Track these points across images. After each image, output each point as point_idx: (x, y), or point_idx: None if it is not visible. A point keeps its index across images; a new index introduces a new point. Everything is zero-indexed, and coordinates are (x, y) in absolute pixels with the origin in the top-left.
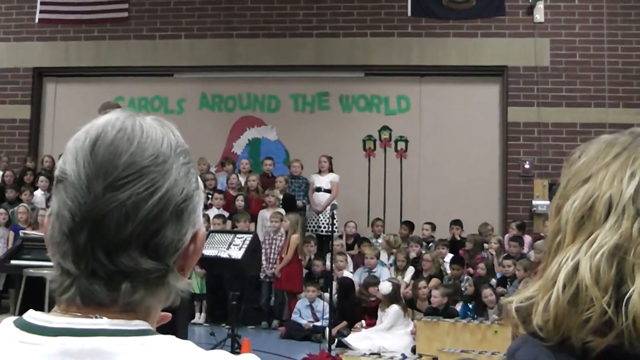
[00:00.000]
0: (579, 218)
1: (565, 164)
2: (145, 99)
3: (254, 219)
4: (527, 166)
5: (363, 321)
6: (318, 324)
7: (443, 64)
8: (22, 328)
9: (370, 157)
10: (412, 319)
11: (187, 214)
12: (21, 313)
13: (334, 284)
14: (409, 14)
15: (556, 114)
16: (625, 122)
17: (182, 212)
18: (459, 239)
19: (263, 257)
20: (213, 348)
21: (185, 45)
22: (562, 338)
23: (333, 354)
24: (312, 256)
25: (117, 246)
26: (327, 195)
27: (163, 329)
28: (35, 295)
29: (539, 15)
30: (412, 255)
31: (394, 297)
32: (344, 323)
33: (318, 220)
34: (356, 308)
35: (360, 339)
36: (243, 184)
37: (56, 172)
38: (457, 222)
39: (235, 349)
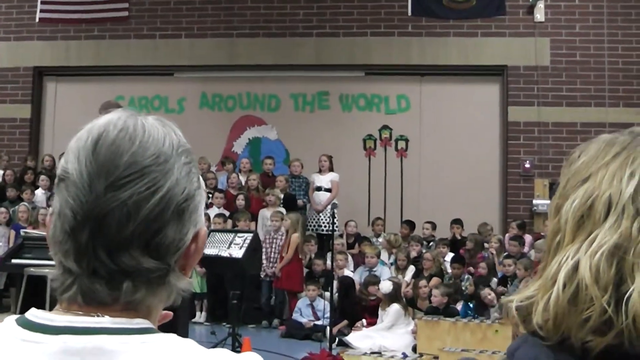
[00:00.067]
0: (579, 217)
1: (564, 164)
2: (145, 98)
3: (254, 218)
4: (527, 165)
5: (364, 320)
6: (319, 323)
7: (443, 64)
8: (24, 326)
9: (370, 156)
10: (413, 318)
11: (189, 214)
12: (22, 312)
13: (335, 283)
14: (409, 13)
15: (556, 113)
16: (626, 122)
17: (184, 212)
18: (459, 238)
19: (263, 256)
20: (214, 347)
21: (186, 44)
22: (562, 337)
23: (334, 353)
24: (313, 255)
25: (118, 245)
26: (328, 194)
27: (163, 328)
28: (36, 294)
29: (539, 15)
30: (413, 254)
31: (394, 296)
32: (345, 322)
33: (318, 219)
34: (357, 307)
35: (361, 338)
36: (243, 183)
37: (58, 171)
38: (457, 222)
39: (236, 348)
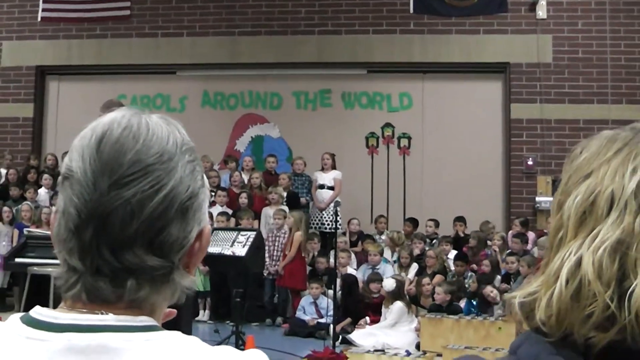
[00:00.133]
0: (581, 213)
1: (566, 160)
2: (147, 96)
3: (257, 216)
4: (530, 163)
5: (367, 318)
6: (322, 320)
7: (445, 61)
8: (29, 324)
9: (373, 154)
10: (416, 316)
11: (193, 212)
12: (26, 311)
13: (338, 280)
14: (411, 11)
15: (559, 110)
16: (628, 119)
17: (188, 210)
18: (462, 235)
19: (266, 255)
20: (218, 345)
21: (187, 43)
22: (565, 333)
23: (337, 350)
24: (316, 253)
25: (122, 243)
26: (331, 192)
27: (167, 326)
28: (39, 293)
29: (541, 12)
30: (416, 252)
31: (397, 293)
32: (348, 320)
33: (321, 217)
34: (360, 305)
35: (365, 335)
36: (246, 181)
37: (62, 169)
38: (460, 219)
39: (239, 346)
